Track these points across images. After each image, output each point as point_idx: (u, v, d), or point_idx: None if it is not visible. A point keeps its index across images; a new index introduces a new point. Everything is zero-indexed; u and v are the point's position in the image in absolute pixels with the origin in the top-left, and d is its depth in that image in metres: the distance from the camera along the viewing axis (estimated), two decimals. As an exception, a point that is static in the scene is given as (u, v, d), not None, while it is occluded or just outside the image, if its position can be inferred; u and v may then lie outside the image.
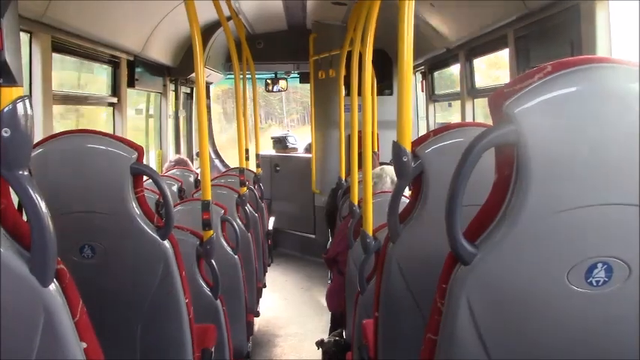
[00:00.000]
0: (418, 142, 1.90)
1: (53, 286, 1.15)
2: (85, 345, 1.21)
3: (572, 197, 1.11)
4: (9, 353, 1.14)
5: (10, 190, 1.14)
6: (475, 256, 1.17)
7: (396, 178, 3.51)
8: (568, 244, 1.14)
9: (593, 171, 1.10)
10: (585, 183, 1.11)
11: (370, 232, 2.70)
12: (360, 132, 3.38)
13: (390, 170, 3.54)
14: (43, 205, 1.10)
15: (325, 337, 4.04)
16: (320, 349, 4.03)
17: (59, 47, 3.49)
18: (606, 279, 1.15)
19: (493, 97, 1.17)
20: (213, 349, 2.54)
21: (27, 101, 1.08)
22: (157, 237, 2.10)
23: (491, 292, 1.19)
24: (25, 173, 1.09)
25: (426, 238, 1.89)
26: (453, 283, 1.22)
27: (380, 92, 6.45)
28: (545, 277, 1.16)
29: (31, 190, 1.09)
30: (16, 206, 1.19)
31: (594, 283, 1.16)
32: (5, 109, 1.05)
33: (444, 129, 1.93)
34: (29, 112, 1.09)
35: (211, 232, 2.70)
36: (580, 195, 1.11)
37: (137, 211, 2.08)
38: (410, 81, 1.93)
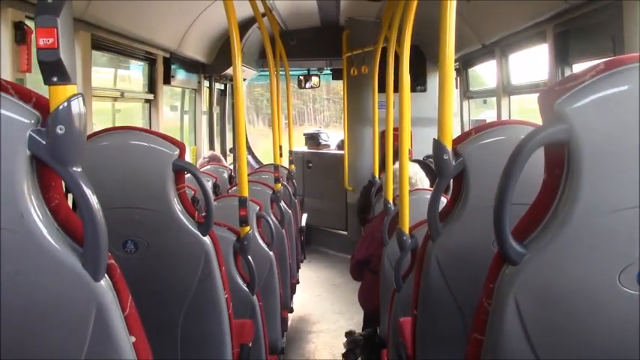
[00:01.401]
0: (459, 140, 1.89)
1: (104, 281, 1.16)
2: (133, 339, 1.23)
3: (625, 197, 1.10)
4: (61, 346, 1.16)
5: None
6: (524, 256, 1.16)
7: (417, 175, 3.53)
8: (620, 245, 1.12)
9: None
10: (638, 183, 1.09)
11: (407, 230, 2.70)
12: (395, 129, 3.37)
13: (412, 168, 3.54)
14: (95, 201, 1.12)
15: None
16: (347, 339, 4.04)
17: (98, 44, 3.55)
18: None
19: (543, 95, 1.15)
20: (250, 345, 2.56)
21: (81, 99, 1.10)
22: (199, 233, 2.12)
23: (540, 293, 1.18)
24: (79, 170, 1.11)
25: (466, 237, 1.88)
26: (500, 283, 1.21)
27: (412, 89, 6.41)
28: (595, 278, 1.15)
29: (84, 186, 1.11)
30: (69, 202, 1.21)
31: None
32: (60, 107, 1.07)
33: (486, 127, 1.92)
34: (83, 109, 1.11)
35: (248, 228, 2.72)
36: (633, 195, 1.09)
37: (179, 207, 2.10)
38: (452, 79, 1.92)
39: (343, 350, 4.24)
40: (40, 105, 1.11)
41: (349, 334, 4.24)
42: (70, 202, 1.24)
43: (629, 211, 1.10)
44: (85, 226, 1.13)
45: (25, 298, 1.14)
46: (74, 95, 1.09)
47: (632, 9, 2.57)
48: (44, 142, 1.08)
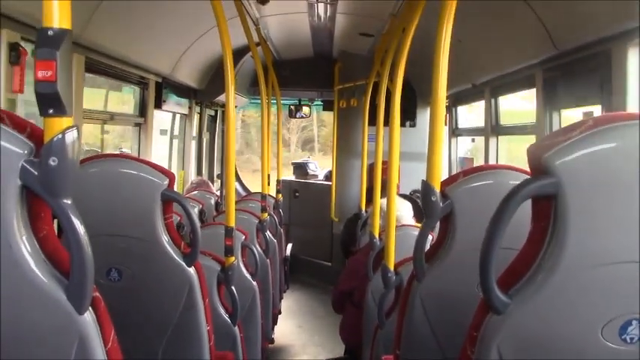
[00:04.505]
0: (448, 182, 1.91)
1: (88, 314, 1.16)
2: None
3: (610, 252, 1.11)
4: None
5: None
6: (508, 305, 1.17)
7: (400, 213, 3.54)
8: (603, 299, 1.13)
9: (631, 227, 1.10)
10: (623, 239, 1.11)
11: (392, 267, 2.70)
12: (384, 162, 3.39)
13: (399, 205, 3.54)
14: (83, 233, 1.12)
15: None
16: None
17: (92, 67, 3.56)
18: None
19: (532, 148, 1.17)
20: None
21: (75, 131, 1.10)
22: (184, 264, 2.12)
23: (523, 343, 1.18)
24: (69, 202, 1.11)
25: (451, 279, 1.89)
26: (484, 331, 1.21)
27: (402, 124, 6.46)
28: (578, 331, 1.16)
29: (73, 219, 1.10)
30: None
31: (628, 340, 1.15)
32: (55, 139, 1.07)
33: (474, 170, 1.94)
34: (76, 141, 1.11)
35: (233, 258, 2.71)
36: (617, 250, 1.11)
37: (165, 237, 2.10)
38: (442, 118, 1.94)
39: None
40: (34, 135, 1.11)
41: None
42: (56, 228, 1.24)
43: (613, 266, 1.12)
44: (71, 258, 1.12)
45: (7, 328, 1.13)
46: (69, 127, 1.09)
47: (620, 57, 2.62)
48: (36, 173, 1.08)
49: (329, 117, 10.05)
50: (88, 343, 1.15)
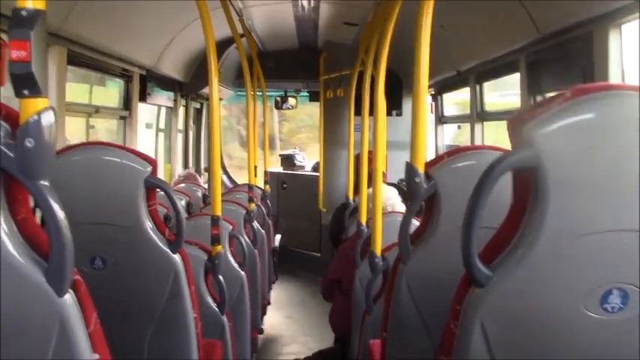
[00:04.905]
0: (431, 164, 1.91)
1: (69, 296, 1.15)
2: (97, 356, 1.21)
3: (589, 222, 1.12)
4: None
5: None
6: (490, 278, 1.18)
7: (392, 200, 3.56)
8: (584, 270, 1.14)
9: (610, 197, 1.11)
10: (602, 209, 1.11)
11: (378, 252, 2.70)
12: (370, 152, 3.39)
13: (387, 193, 3.56)
14: (62, 215, 1.11)
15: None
16: None
17: (74, 60, 3.53)
18: (621, 305, 1.15)
19: (512, 121, 1.18)
20: None
21: (52, 112, 1.09)
22: (168, 250, 2.11)
23: (505, 315, 1.19)
24: (46, 183, 1.10)
25: (436, 260, 1.89)
26: (466, 305, 1.22)
27: (389, 113, 6.48)
28: (560, 301, 1.16)
29: (51, 200, 1.09)
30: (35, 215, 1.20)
31: (609, 309, 1.16)
32: (30, 120, 1.06)
33: (458, 151, 1.94)
34: (53, 123, 1.10)
35: (220, 247, 2.70)
36: (597, 220, 1.12)
37: (149, 224, 2.09)
38: (425, 103, 1.94)
39: None
40: (10, 117, 1.10)
41: None
42: (38, 217, 1.23)
43: (593, 236, 1.12)
44: (50, 240, 1.11)
45: None
46: (45, 109, 1.08)
47: (602, 40, 2.64)
48: (13, 155, 1.07)
49: (292, 112, 10.03)
50: (70, 325, 1.14)
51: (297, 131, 14.27)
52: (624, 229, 1.12)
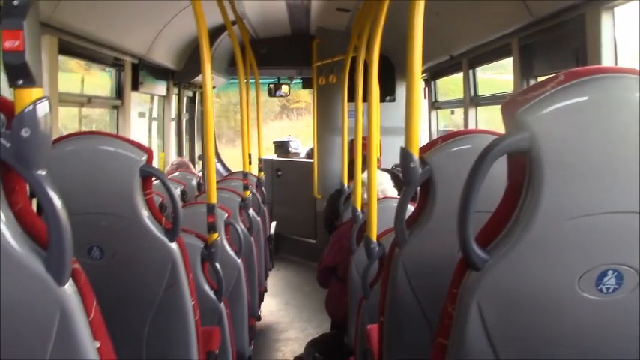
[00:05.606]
0: (426, 149, 1.91)
1: (69, 285, 1.15)
2: (98, 344, 1.22)
3: (584, 204, 1.13)
4: (24, 350, 1.15)
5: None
6: (487, 261, 1.19)
7: (383, 186, 3.57)
8: (579, 251, 1.15)
9: (605, 178, 1.12)
10: (597, 190, 1.12)
11: (374, 238, 2.71)
12: (364, 138, 3.40)
13: (379, 178, 3.56)
14: (60, 204, 1.11)
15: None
16: None
17: (65, 49, 3.51)
18: (616, 286, 1.17)
19: (506, 105, 1.18)
20: (217, 352, 2.54)
21: (47, 102, 1.09)
22: (166, 239, 2.11)
23: (502, 298, 1.20)
24: (44, 173, 1.10)
25: (432, 244, 1.90)
26: (463, 288, 1.23)
27: (382, 99, 6.47)
28: (555, 283, 1.18)
29: (49, 190, 1.10)
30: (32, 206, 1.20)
31: (604, 290, 1.17)
32: (26, 110, 1.06)
33: (452, 136, 1.95)
34: (48, 112, 1.10)
35: (216, 235, 2.70)
36: (592, 202, 1.13)
37: (146, 213, 2.09)
38: (419, 88, 1.94)
39: None
40: (5, 107, 1.10)
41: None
42: (35, 207, 1.23)
43: (588, 217, 1.13)
44: (49, 229, 1.11)
45: None
46: (40, 98, 1.08)
47: (594, 23, 2.64)
48: (9, 145, 1.07)
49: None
50: (70, 313, 1.15)
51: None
52: (619, 210, 1.13)
